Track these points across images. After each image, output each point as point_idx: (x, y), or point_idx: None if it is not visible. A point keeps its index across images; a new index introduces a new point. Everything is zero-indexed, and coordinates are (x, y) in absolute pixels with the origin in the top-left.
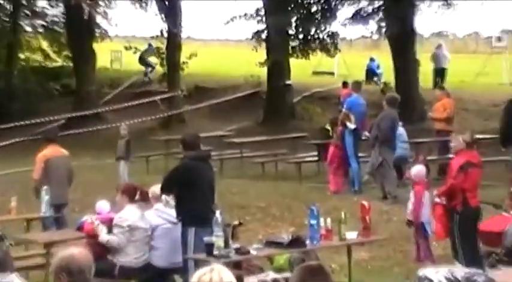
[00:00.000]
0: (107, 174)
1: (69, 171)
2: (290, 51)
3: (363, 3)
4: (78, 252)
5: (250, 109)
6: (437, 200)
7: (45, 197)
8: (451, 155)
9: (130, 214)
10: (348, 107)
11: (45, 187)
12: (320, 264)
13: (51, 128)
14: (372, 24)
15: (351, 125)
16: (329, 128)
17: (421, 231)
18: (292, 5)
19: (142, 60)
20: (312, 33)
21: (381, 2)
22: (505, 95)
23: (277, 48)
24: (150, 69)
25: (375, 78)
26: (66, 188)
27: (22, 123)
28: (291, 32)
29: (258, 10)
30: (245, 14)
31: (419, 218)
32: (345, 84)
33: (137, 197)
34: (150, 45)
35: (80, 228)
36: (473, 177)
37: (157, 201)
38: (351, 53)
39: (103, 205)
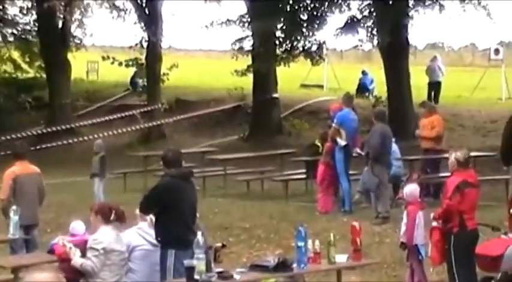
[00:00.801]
0: (81, 192)
1: (40, 189)
2: (277, 59)
3: (354, 11)
4: (47, 276)
5: (235, 124)
6: (434, 223)
7: (13, 217)
8: (442, 174)
9: (105, 236)
10: (338, 121)
11: (13, 207)
12: None
13: (21, 143)
14: (363, 33)
15: (342, 142)
16: (319, 144)
17: (415, 254)
18: (279, 11)
19: (133, 83)
20: (299, 41)
21: (372, 9)
22: (503, 110)
23: (262, 56)
24: (140, 90)
25: (367, 93)
26: (37, 208)
27: None
28: (277, 41)
29: (241, 16)
30: (227, 20)
31: (413, 240)
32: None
33: (112, 217)
34: (139, 69)
35: (51, 251)
36: (470, 197)
37: (142, 220)
38: (341, 65)
39: (78, 226)
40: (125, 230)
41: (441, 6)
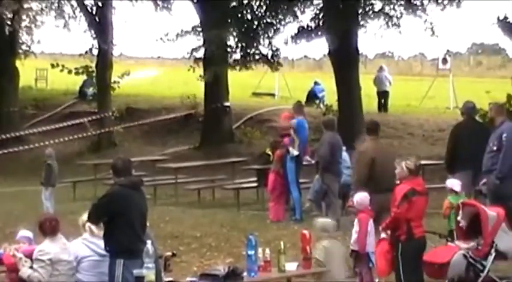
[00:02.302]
0: (30, 201)
1: None
2: (232, 63)
3: (306, 21)
4: None
5: (186, 132)
6: (383, 235)
7: None
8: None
9: (50, 247)
10: (295, 128)
11: None
12: None
13: None
14: (314, 42)
15: (294, 151)
16: (270, 152)
17: (366, 262)
18: (231, 20)
19: (82, 92)
20: (253, 47)
21: (323, 18)
22: (450, 119)
23: (215, 64)
24: (89, 98)
25: (317, 101)
26: None
27: None
28: (229, 48)
29: (194, 27)
30: (181, 31)
31: (364, 248)
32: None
33: (50, 228)
34: (88, 77)
35: None
36: (419, 206)
37: (85, 230)
38: (292, 74)
39: (25, 235)
40: (72, 240)
41: (389, 18)
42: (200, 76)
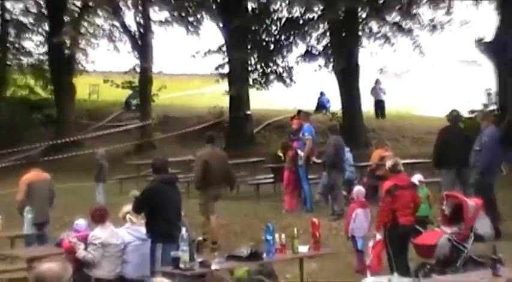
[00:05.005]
0: (85, 195)
1: (50, 192)
2: (251, 83)
3: (313, 42)
4: (55, 265)
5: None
6: (378, 237)
7: (28, 216)
8: None
9: (101, 232)
10: (310, 134)
11: (28, 207)
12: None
13: (34, 153)
14: (321, 61)
15: (302, 153)
16: (280, 154)
17: (355, 245)
18: (251, 42)
19: (127, 104)
20: (270, 66)
21: (328, 40)
22: (438, 124)
23: (238, 80)
24: (134, 109)
25: (324, 111)
26: (48, 208)
27: (5, 151)
28: (250, 67)
29: (220, 47)
30: (208, 50)
31: (347, 233)
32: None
33: (101, 218)
34: (132, 91)
35: (59, 244)
36: (403, 198)
37: (124, 221)
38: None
39: (81, 223)
40: (119, 227)
41: (387, 39)
42: (225, 91)
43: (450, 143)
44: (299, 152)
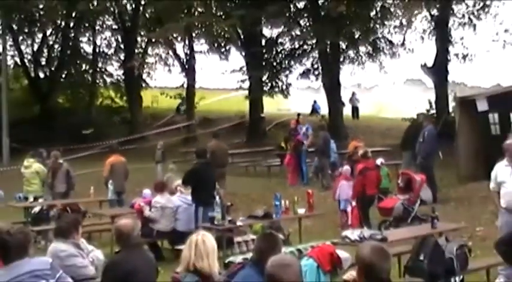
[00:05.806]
0: (149, 173)
1: (126, 171)
2: (265, 93)
3: (308, 65)
4: (129, 221)
5: (238, 133)
6: (353, 203)
7: (110, 187)
8: None
9: (161, 199)
10: (312, 131)
11: (110, 181)
12: (272, 232)
13: (114, 144)
14: (313, 78)
15: (305, 143)
16: (283, 145)
17: (339, 205)
18: (264, 65)
19: (178, 109)
20: (276, 83)
21: (319, 64)
22: (397, 123)
23: (255, 91)
24: (182, 113)
25: (316, 114)
26: (124, 182)
27: (95, 143)
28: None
29: (241, 67)
30: (233, 70)
31: (335, 196)
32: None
33: (160, 188)
34: (181, 100)
35: (132, 206)
36: (370, 177)
37: (178, 191)
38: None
39: (147, 192)
40: (173, 196)
41: (360, 63)
42: (245, 97)
43: (411, 135)
44: (304, 142)
